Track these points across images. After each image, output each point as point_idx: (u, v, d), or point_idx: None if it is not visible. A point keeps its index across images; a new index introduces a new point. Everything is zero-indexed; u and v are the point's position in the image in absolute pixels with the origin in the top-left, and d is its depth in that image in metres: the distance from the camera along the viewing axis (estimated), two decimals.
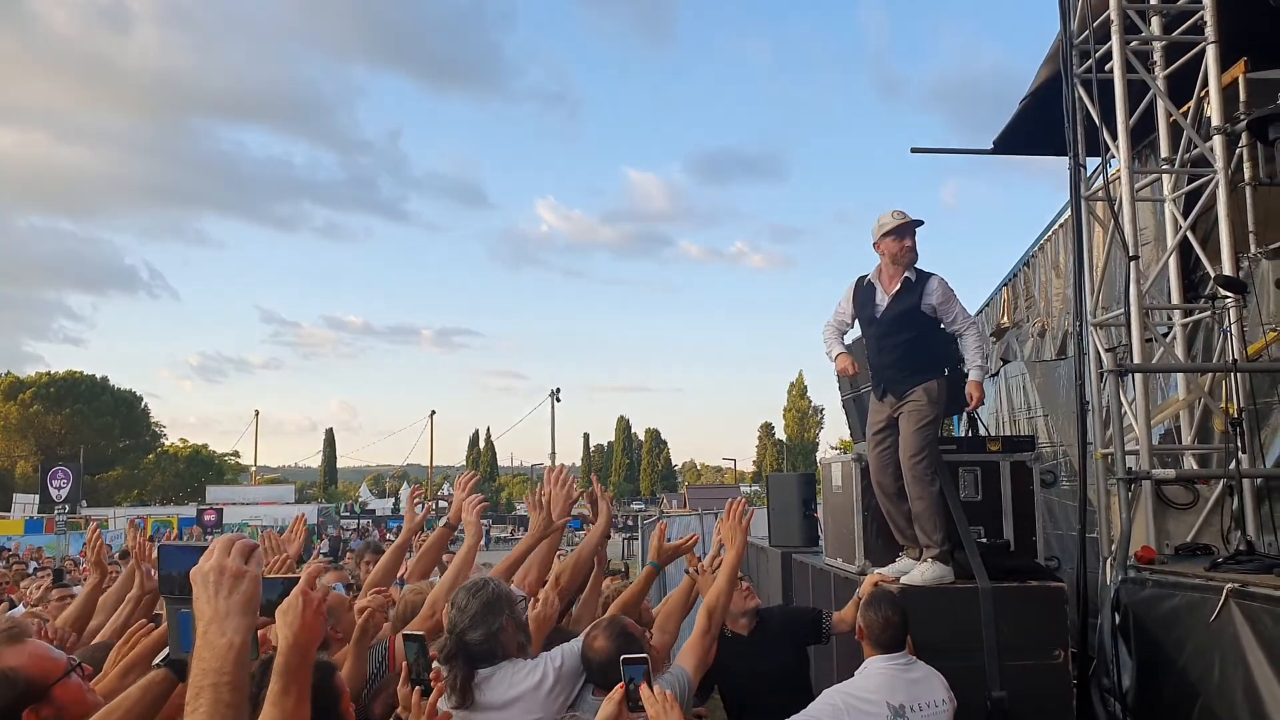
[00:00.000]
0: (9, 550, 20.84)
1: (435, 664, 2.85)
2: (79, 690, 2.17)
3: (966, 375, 4.68)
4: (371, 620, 3.18)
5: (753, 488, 63.44)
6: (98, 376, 63.95)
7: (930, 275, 4.63)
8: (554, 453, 59.41)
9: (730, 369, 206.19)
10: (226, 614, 1.41)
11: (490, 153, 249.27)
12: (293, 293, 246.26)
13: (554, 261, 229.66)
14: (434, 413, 63.14)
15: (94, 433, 58.45)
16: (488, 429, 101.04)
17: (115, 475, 59.50)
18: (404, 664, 2.75)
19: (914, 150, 9.53)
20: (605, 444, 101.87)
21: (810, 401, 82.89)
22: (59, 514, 23.33)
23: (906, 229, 4.60)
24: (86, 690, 2.19)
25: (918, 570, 4.44)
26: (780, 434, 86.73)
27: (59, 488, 31.96)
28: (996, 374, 10.80)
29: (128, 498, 56.73)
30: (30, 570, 13.45)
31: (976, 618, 4.28)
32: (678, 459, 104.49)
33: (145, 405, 67.65)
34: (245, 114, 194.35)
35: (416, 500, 4.79)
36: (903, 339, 4.61)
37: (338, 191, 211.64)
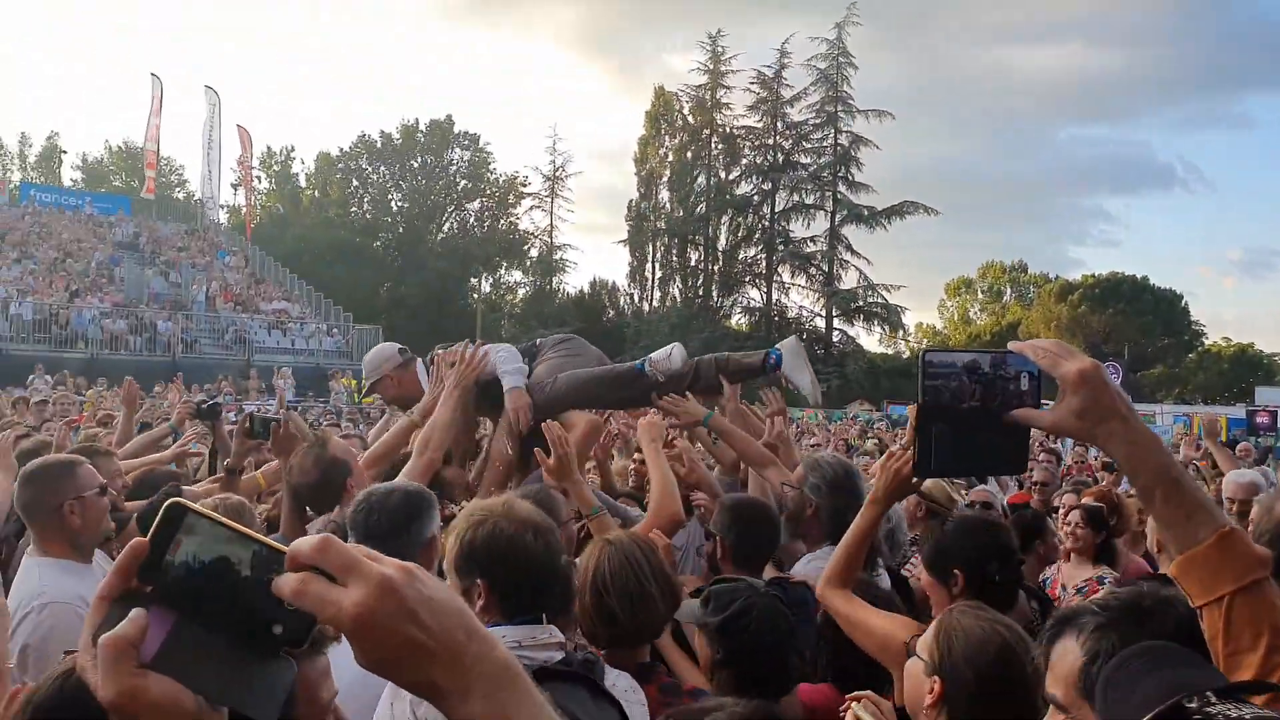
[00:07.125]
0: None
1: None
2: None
3: None
4: None
5: None
6: (1137, 276, 64.59)
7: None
8: None
9: None
10: None
11: None
12: None
13: None
14: None
15: (1135, 331, 59.62)
16: None
17: (1156, 373, 58.59)
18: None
19: None
20: None
21: None
22: None
23: None
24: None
25: None
26: None
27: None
28: None
29: (1169, 395, 53.93)
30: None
31: None
32: None
33: (1185, 303, 66.34)
34: None
35: None
36: None
37: None
